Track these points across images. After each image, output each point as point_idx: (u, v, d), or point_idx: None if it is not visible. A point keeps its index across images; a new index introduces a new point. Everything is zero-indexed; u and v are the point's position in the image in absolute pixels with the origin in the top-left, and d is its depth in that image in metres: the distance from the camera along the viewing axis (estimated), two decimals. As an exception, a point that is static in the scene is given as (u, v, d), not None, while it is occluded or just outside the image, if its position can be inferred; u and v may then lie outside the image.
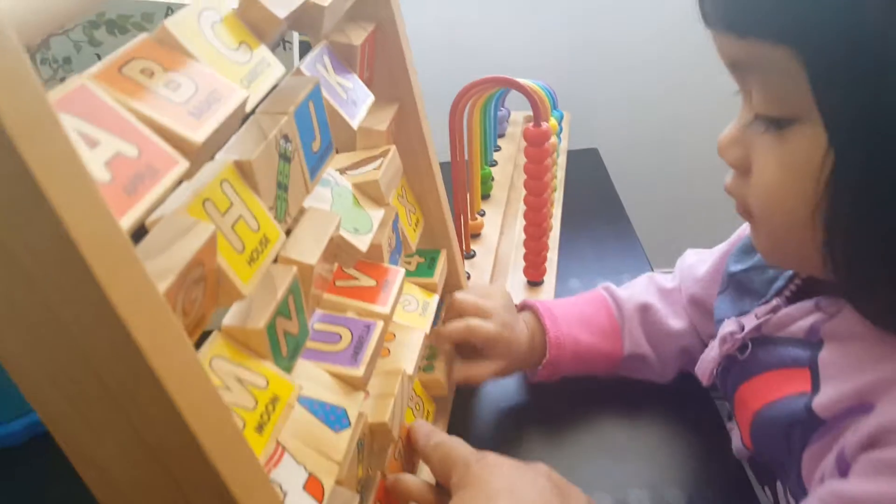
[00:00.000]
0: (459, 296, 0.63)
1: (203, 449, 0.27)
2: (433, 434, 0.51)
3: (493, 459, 0.46)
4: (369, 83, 0.53)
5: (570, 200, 1.01)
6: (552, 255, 0.85)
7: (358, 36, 0.49)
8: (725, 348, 0.52)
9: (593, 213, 0.99)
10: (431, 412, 0.60)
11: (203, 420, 0.27)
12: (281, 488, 0.36)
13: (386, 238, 0.52)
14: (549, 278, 0.81)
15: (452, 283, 0.66)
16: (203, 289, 0.30)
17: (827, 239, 0.40)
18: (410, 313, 0.57)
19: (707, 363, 0.55)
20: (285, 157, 0.38)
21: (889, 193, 0.37)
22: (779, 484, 0.50)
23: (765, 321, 0.50)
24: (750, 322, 0.51)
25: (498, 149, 1.09)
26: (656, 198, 1.65)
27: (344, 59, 0.49)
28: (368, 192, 0.49)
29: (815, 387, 0.44)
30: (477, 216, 0.90)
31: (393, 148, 0.52)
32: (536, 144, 0.71)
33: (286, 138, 0.38)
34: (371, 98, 0.49)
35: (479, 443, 0.54)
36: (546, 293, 0.80)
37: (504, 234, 0.91)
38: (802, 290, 0.50)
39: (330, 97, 0.45)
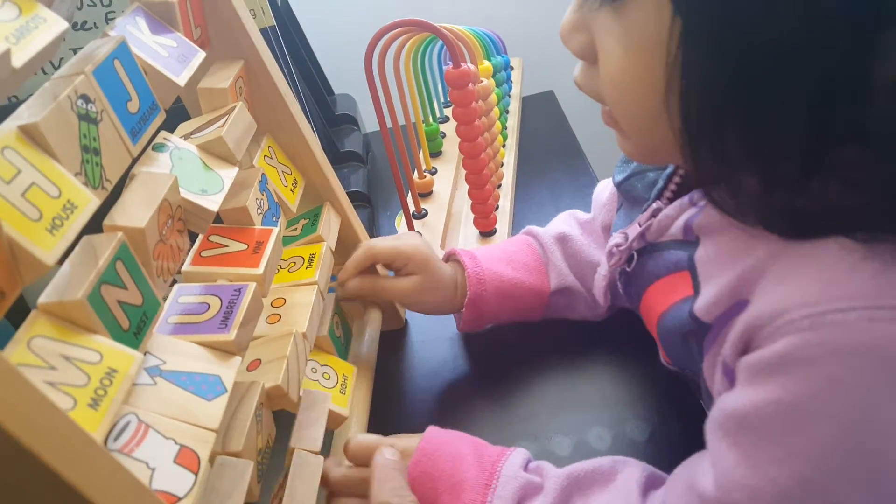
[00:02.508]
0: (373, 242, 0.61)
1: (8, 434, 0.25)
2: (387, 487, 0.46)
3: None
4: (203, 43, 0.50)
5: (527, 147, 0.99)
6: (505, 204, 0.83)
7: (174, -8, 0.46)
8: (613, 263, 0.50)
9: (550, 157, 0.97)
10: (349, 376, 0.58)
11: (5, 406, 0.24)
12: (148, 465, 0.33)
13: (253, 200, 0.49)
14: (503, 227, 0.80)
15: (349, 238, 0.64)
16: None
17: (682, 125, 0.35)
18: (297, 272, 0.54)
19: (599, 281, 0.53)
20: (89, 119, 0.35)
21: (743, 68, 0.31)
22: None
23: (647, 227, 0.46)
24: (633, 231, 0.48)
25: (448, 104, 1.07)
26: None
27: (163, 18, 0.46)
28: (216, 152, 0.46)
29: (696, 289, 0.41)
30: (426, 174, 0.88)
31: (239, 104, 0.49)
32: (459, 87, 0.69)
33: (86, 98, 0.35)
34: (200, 53, 0.46)
35: (420, 407, 0.53)
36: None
37: (458, 189, 0.90)
38: (684, 186, 0.47)
39: (146, 56, 0.42)
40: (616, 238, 0.49)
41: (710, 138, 0.34)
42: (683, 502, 0.40)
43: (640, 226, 0.47)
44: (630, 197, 0.52)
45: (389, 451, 0.47)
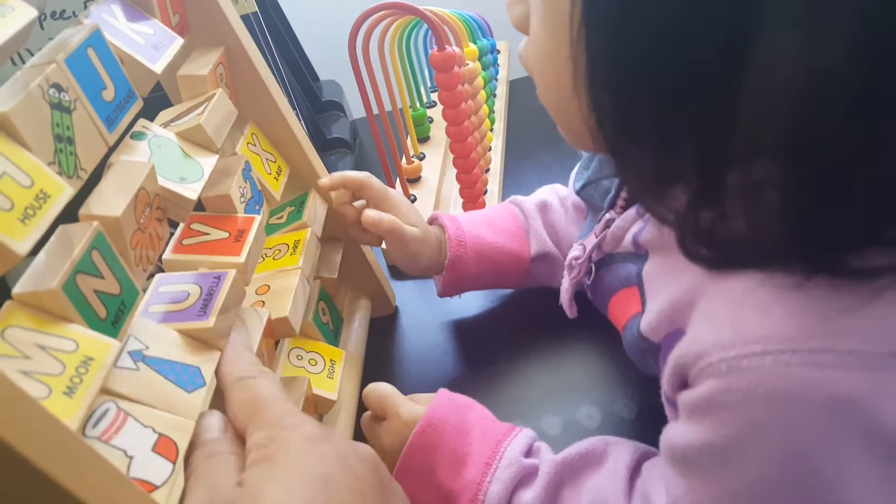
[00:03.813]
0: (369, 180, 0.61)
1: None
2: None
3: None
4: (183, 30, 0.50)
5: (515, 131, 0.98)
6: (494, 188, 0.83)
7: (150, -22, 0.46)
8: (573, 276, 0.49)
9: (538, 141, 0.97)
10: (338, 361, 0.58)
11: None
12: (126, 453, 0.34)
13: (236, 187, 0.49)
14: None
15: (336, 225, 0.64)
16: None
17: (590, 107, 0.32)
18: (281, 259, 0.54)
19: (564, 294, 0.51)
20: (61, 108, 0.35)
21: (639, 58, 0.29)
22: None
23: (602, 239, 0.45)
24: (590, 243, 0.46)
25: (436, 89, 1.06)
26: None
27: (140, 5, 0.45)
28: (195, 140, 0.46)
29: (644, 306, 0.40)
30: (414, 160, 0.88)
31: (219, 91, 0.49)
32: (444, 70, 0.69)
33: (58, 87, 0.35)
34: (178, 40, 0.46)
35: (410, 391, 0.53)
36: None
37: (446, 174, 0.89)
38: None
39: (122, 44, 0.42)
40: (575, 250, 0.48)
41: (614, 132, 0.32)
42: None
43: (595, 236, 0.46)
44: (590, 205, 0.51)
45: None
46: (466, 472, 0.46)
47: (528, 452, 0.48)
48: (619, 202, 0.46)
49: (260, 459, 0.34)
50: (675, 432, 0.35)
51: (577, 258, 0.48)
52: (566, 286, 0.50)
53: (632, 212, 0.42)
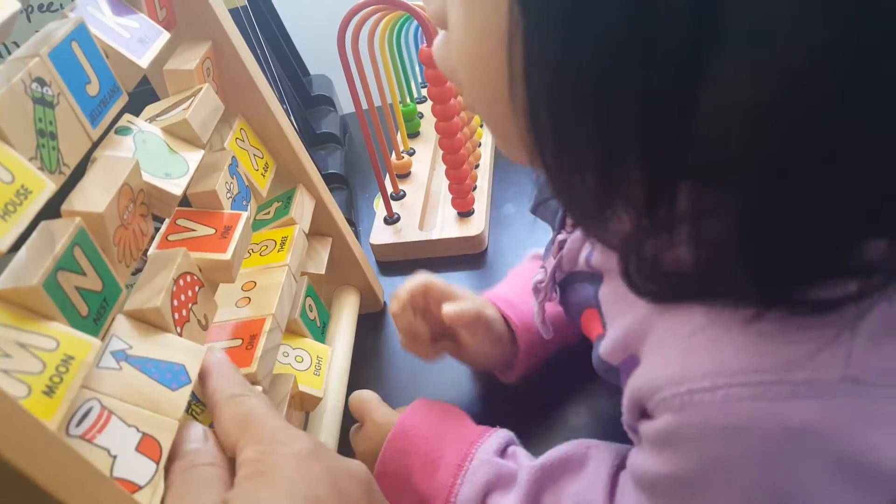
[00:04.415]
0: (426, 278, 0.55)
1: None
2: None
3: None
4: (169, 24, 0.49)
5: None
6: (483, 184, 0.83)
7: (137, -28, 0.45)
8: (540, 299, 0.47)
9: None
10: (324, 358, 0.58)
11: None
12: (109, 452, 0.33)
13: (222, 183, 0.49)
14: (480, 207, 0.79)
15: (323, 220, 0.63)
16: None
17: (527, 123, 0.29)
18: (269, 255, 0.54)
19: (536, 318, 0.49)
20: (44, 103, 0.35)
21: (580, 64, 0.26)
22: None
23: (559, 260, 0.44)
24: (550, 265, 0.45)
25: (426, 85, 1.06)
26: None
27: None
28: (181, 135, 0.45)
29: (605, 328, 0.39)
30: (404, 155, 0.87)
31: (205, 86, 0.48)
32: (434, 66, 0.68)
33: (41, 81, 0.35)
34: (164, 35, 0.46)
35: (398, 388, 0.53)
36: (476, 223, 0.78)
37: (436, 170, 0.89)
38: None
39: (107, 38, 0.41)
40: (538, 274, 0.47)
41: (553, 151, 0.29)
42: None
43: (553, 258, 0.45)
44: (548, 225, 0.49)
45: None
46: (439, 476, 0.46)
47: (503, 453, 0.48)
48: (569, 222, 0.44)
49: (251, 475, 0.34)
50: (641, 460, 0.35)
51: (540, 282, 0.46)
52: (536, 310, 0.48)
53: (579, 232, 0.41)
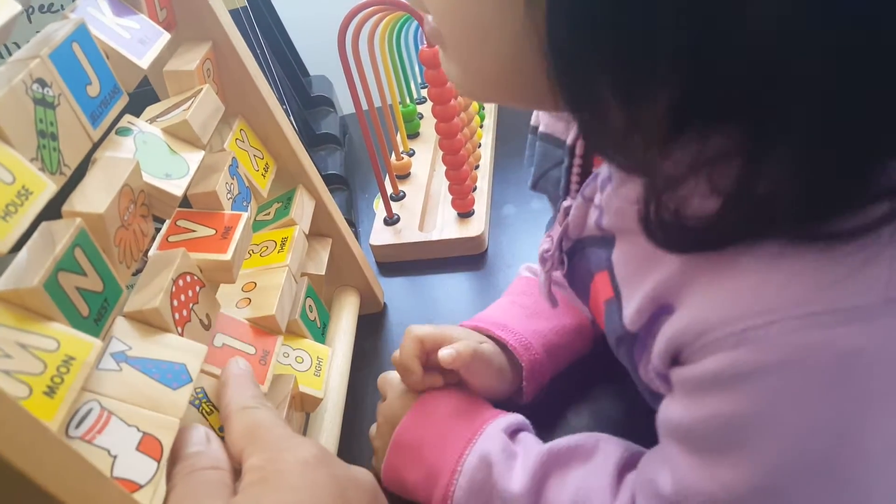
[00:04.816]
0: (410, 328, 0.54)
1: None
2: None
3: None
4: (170, 25, 0.49)
5: (504, 127, 0.98)
6: (483, 185, 0.83)
7: (137, -27, 0.45)
8: (547, 269, 0.47)
9: (527, 137, 0.96)
10: (325, 359, 0.58)
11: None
12: (110, 452, 0.33)
13: (222, 184, 0.49)
14: (480, 208, 0.79)
15: (323, 221, 0.64)
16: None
17: (549, 51, 0.30)
18: (269, 256, 0.54)
19: (542, 288, 0.49)
20: (45, 103, 0.35)
21: None
22: None
23: (566, 227, 0.44)
24: (556, 233, 0.45)
25: (426, 86, 1.06)
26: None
27: (126, 0, 0.45)
28: (181, 136, 0.45)
29: (616, 292, 0.39)
30: (404, 156, 0.88)
31: (205, 87, 0.48)
32: (434, 66, 0.68)
33: (41, 82, 0.35)
34: (164, 35, 0.46)
35: None
36: (476, 223, 0.78)
37: (436, 171, 0.89)
38: (585, 174, 0.44)
39: (107, 38, 0.41)
40: (545, 243, 0.47)
41: (581, 70, 0.29)
42: (644, 496, 0.40)
43: (560, 226, 0.45)
44: (550, 198, 0.50)
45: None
46: (448, 448, 0.48)
47: (514, 434, 0.49)
48: (573, 187, 0.45)
49: (255, 481, 0.34)
50: (676, 411, 0.35)
51: (546, 251, 0.46)
52: (542, 280, 0.49)
53: (589, 191, 0.41)
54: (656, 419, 0.38)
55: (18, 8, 0.34)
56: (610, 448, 0.45)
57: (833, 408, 0.30)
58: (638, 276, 0.36)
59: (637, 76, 0.27)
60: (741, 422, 0.32)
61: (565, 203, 0.44)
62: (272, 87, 0.59)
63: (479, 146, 0.90)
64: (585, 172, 0.44)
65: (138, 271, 0.41)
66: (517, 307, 0.58)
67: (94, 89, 0.39)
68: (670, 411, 0.36)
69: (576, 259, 0.45)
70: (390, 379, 0.56)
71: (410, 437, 0.50)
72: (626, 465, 0.44)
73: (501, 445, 0.47)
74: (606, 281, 0.40)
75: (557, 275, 0.48)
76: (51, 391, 0.30)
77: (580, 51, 0.28)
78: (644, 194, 0.31)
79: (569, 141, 0.45)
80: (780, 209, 0.28)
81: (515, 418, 0.50)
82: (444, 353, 0.50)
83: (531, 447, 0.47)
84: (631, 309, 0.37)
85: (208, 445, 0.36)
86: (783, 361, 0.30)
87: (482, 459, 0.46)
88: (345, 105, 1.04)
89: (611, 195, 0.37)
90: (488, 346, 0.54)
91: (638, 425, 0.44)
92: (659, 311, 0.35)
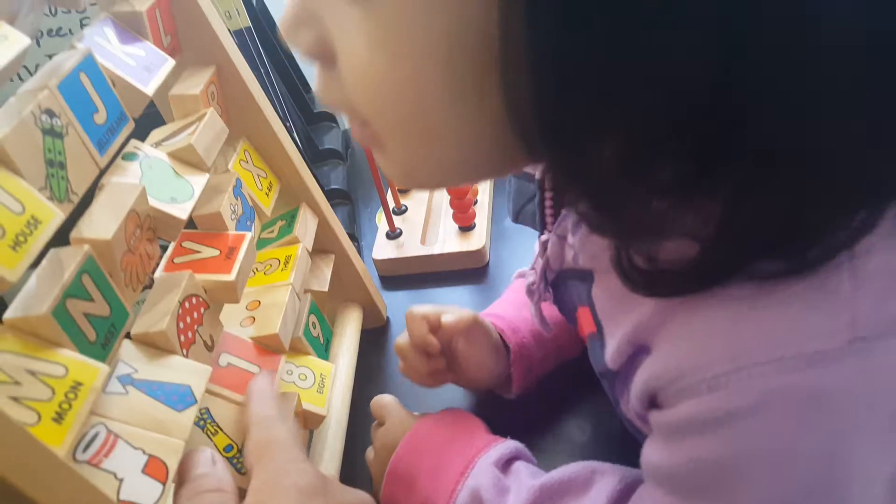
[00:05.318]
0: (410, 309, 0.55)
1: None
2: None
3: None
4: (174, 50, 0.50)
5: None
6: (484, 198, 0.83)
7: (142, 2, 0.46)
8: (535, 300, 0.48)
9: None
10: (328, 375, 0.59)
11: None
12: (116, 476, 0.34)
13: (226, 205, 0.50)
14: (482, 221, 0.80)
15: (326, 238, 0.64)
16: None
17: (514, 113, 0.27)
18: (273, 274, 0.55)
19: (534, 317, 0.50)
20: (53, 133, 0.36)
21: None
22: None
23: (546, 260, 0.44)
24: (539, 266, 0.45)
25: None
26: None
27: (132, 28, 0.46)
28: (186, 159, 0.46)
29: (598, 326, 0.39)
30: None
31: (210, 111, 0.49)
32: None
33: (50, 113, 0.36)
34: (169, 62, 0.47)
35: (398, 396, 0.55)
36: (478, 237, 0.78)
37: None
38: (559, 207, 0.44)
39: (114, 66, 0.42)
40: (531, 276, 0.47)
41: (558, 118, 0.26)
42: None
43: (541, 259, 0.45)
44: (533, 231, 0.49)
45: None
46: (442, 480, 0.48)
47: (507, 465, 0.48)
48: (548, 220, 0.44)
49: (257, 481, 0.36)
50: (655, 454, 0.36)
51: (532, 283, 0.47)
52: (533, 311, 0.49)
53: (560, 230, 0.41)
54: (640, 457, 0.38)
55: (28, 42, 0.35)
56: (604, 481, 0.45)
57: (809, 449, 0.30)
58: (618, 313, 0.36)
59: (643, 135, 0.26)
60: (720, 466, 0.32)
61: (542, 238, 0.44)
62: (275, 105, 0.60)
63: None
64: (559, 205, 0.44)
65: (146, 288, 0.42)
66: (507, 301, 0.61)
67: (100, 117, 0.40)
68: (651, 454, 0.36)
69: (561, 289, 0.45)
70: (385, 403, 0.56)
71: (405, 468, 0.50)
72: (621, 498, 0.43)
73: (492, 480, 0.46)
74: (588, 316, 0.40)
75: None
76: (59, 417, 0.31)
77: (573, 114, 0.26)
78: (616, 241, 0.31)
79: (537, 175, 0.45)
80: (759, 250, 0.28)
81: (509, 447, 0.49)
82: (448, 318, 0.52)
83: (524, 482, 0.46)
84: (612, 348, 0.37)
85: (213, 468, 0.37)
86: (755, 406, 0.30)
87: (473, 496, 0.46)
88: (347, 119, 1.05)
89: (583, 239, 0.37)
90: (487, 322, 0.55)
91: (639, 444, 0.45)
92: (637, 351, 0.35)
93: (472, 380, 0.56)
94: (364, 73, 0.29)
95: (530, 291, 0.47)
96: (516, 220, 0.50)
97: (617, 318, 0.36)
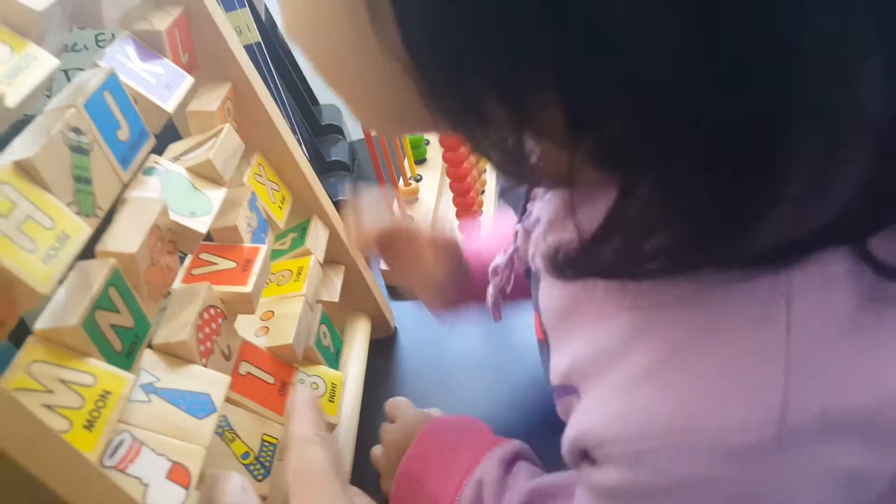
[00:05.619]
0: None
1: (7, 456, 0.26)
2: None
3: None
4: (192, 67, 0.52)
5: None
6: (489, 209, 0.84)
7: (162, 21, 0.48)
8: (496, 282, 0.46)
9: None
10: (339, 385, 0.60)
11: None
12: (141, 481, 0.35)
13: (242, 218, 0.51)
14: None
15: (337, 250, 0.66)
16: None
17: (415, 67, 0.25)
18: (286, 285, 0.56)
19: (489, 299, 0.49)
20: (80, 150, 0.37)
21: None
22: None
23: (517, 247, 0.42)
24: (509, 251, 0.44)
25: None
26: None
27: (152, 46, 0.47)
28: (204, 174, 0.48)
29: (545, 333, 0.37)
30: (412, 181, 0.90)
31: (227, 126, 0.51)
32: None
33: (77, 131, 0.37)
34: (188, 79, 0.48)
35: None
36: None
37: (443, 195, 0.91)
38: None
39: (136, 84, 0.43)
40: (499, 258, 0.46)
41: (453, 84, 0.25)
42: None
43: (515, 244, 0.43)
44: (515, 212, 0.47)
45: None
46: (449, 480, 0.48)
47: (510, 465, 0.49)
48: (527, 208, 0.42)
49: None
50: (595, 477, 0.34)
51: (498, 265, 0.45)
52: (490, 291, 0.47)
53: (528, 224, 0.39)
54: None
55: (56, 62, 0.36)
56: None
57: None
58: (561, 333, 0.34)
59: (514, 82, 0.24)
60: None
61: (517, 226, 0.42)
62: (284, 118, 0.61)
63: (485, 171, 0.92)
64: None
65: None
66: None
67: (123, 133, 0.41)
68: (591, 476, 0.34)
69: (530, 281, 0.42)
70: (399, 403, 0.58)
71: (415, 469, 0.51)
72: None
73: (496, 477, 0.47)
74: (538, 322, 0.39)
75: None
76: (90, 424, 0.32)
77: (447, 61, 0.24)
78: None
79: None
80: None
81: (514, 446, 0.50)
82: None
83: (521, 482, 0.46)
84: (553, 365, 0.35)
85: (243, 495, 0.38)
86: (679, 484, 0.29)
87: (477, 489, 0.47)
88: (353, 131, 1.06)
89: (538, 239, 0.36)
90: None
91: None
92: (567, 390, 0.34)
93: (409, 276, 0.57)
94: (286, 5, 0.30)
95: (494, 272, 0.46)
96: (502, 195, 0.49)
97: (560, 337, 0.34)
